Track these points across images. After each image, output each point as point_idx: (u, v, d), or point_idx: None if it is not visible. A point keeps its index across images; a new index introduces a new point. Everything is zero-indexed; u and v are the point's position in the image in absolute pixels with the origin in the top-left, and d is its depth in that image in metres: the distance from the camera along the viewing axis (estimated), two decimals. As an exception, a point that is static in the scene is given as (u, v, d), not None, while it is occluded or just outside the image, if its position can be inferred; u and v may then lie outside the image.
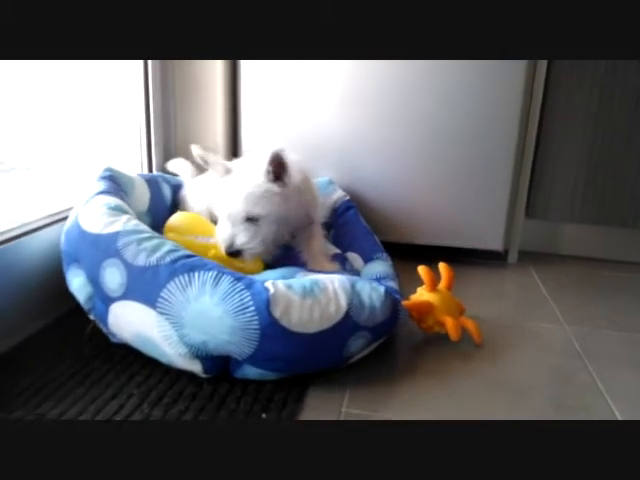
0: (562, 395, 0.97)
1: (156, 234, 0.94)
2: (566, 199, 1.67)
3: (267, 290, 0.85)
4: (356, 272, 1.26)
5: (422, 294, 1.12)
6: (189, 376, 0.92)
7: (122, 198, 1.05)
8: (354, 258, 1.33)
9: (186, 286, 0.85)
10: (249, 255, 1.06)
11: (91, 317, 1.00)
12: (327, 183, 1.53)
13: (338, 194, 1.51)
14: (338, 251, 1.30)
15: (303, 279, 0.91)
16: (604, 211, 1.66)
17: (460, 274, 1.17)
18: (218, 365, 0.90)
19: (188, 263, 0.87)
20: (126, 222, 0.92)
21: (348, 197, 1.52)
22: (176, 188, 1.41)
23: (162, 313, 0.86)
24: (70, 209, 1.15)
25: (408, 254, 1.53)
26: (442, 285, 1.15)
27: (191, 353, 0.87)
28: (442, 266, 1.17)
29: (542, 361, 1.09)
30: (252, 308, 0.83)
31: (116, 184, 1.10)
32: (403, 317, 1.00)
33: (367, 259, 1.29)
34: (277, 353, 0.85)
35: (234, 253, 1.06)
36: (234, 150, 1.67)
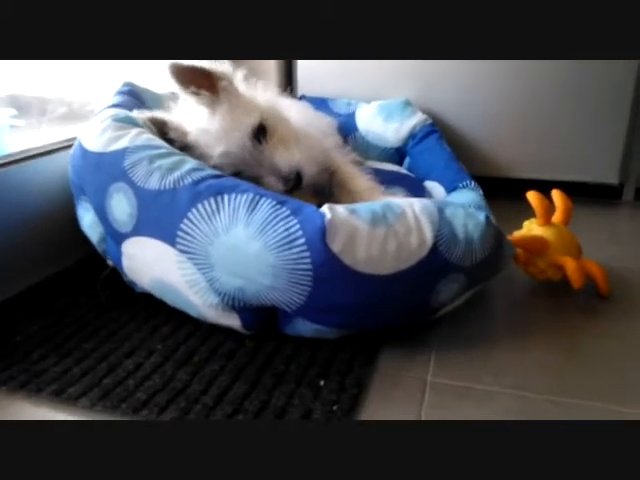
0: None
1: (177, 151, 0.71)
2: None
3: (322, 215, 0.61)
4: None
5: (532, 229, 0.84)
6: (227, 330, 0.71)
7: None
8: (433, 187, 1.07)
9: (213, 214, 0.62)
10: (309, 180, 0.79)
11: (109, 262, 0.81)
12: (403, 105, 1.26)
13: (418, 117, 1.24)
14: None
15: (372, 203, 0.66)
16: None
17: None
18: (261, 319, 0.68)
19: (215, 184, 0.64)
20: (136, 136, 0.70)
21: (430, 121, 1.24)
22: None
23: (183, 251, 0.64)
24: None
25: (499, 191, 1.25)
26: (557, 218, 0.87)
27: (224, 303, 0.65)
28: (556, 194, 0.89)
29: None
30: (301, 240, 0.59)
31: (136, 99, 0.89)
32: (510, 255, 0.74)
33: (450, 188, 1.03)
34: (337, 301, 0.62)
35: (298, 180, 0.76)
36: (288, 69, 1.43)
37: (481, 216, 0.68)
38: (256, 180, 0.78)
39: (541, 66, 1.25)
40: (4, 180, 0.80)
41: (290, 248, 0.59)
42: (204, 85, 0.75)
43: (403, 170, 1.18)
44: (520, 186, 1.29)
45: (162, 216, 0.64)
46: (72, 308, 0.79)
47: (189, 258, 0.64)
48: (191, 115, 0.78)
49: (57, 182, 0.88)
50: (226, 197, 0.63)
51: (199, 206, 0.63)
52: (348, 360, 0.67)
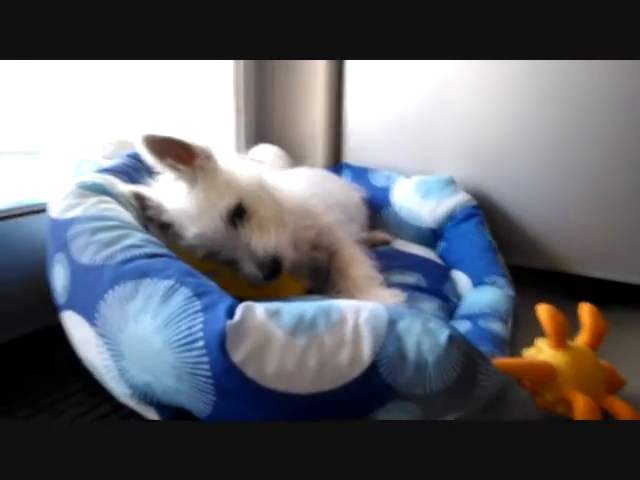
0: None
1: (133, 224, 0.68)
2: None
3: (228, 316, 0.52)
4: (456, 298, 0.89)
5: (542, 350, 0.69)
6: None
7: (135, 181, 0.82)
8: (459, 278, 0.96)
9: (127, 299, 0.57)
10: (287, 264, 0.74)
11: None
12: (444, 183, 1.15)
13: (459, 197, 1.12)
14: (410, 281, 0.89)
15: (309, 303, 0.57)
16: None
17: (618, 324, 0.71)
18: (182, 417, 0.60)
19: (142, 265, 0.59)
20: (92, 205, 0.68)
21: (474, 203, 1.12)
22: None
23: (100, 334, 0.59)
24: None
25: (551, 288, 1.07)
26: (582, 339, 0.70)
27: (136, 396, 0.59)
28: (585, 309, 0.72)
29: None
30: (200, 343, 0.51)
31: (142, 164, 0.88)
32: (492, 385, 0.60)
33: (477, 281, 0.91)
34: (246, 417, 0.53)
35: (276, 267, 0.71)
36: (337, 136, 1.38)
37: (443, 335, 0.55)
38: (234, 263, 0.73)
39: (618, 149, 1.07)
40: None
41: (190, 350, 0.52)
42: (182, 157, 0.72)
43: (431, 255, 1.06)
44: (580, 285, 1.11)
45: (87, 293, 0.60)
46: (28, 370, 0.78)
47: (105, 342, 0.59)
48: (170, 191, 0.75)
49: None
50: (147, 281, 0.57)
51: (117, 288, 0.58)
52: None
